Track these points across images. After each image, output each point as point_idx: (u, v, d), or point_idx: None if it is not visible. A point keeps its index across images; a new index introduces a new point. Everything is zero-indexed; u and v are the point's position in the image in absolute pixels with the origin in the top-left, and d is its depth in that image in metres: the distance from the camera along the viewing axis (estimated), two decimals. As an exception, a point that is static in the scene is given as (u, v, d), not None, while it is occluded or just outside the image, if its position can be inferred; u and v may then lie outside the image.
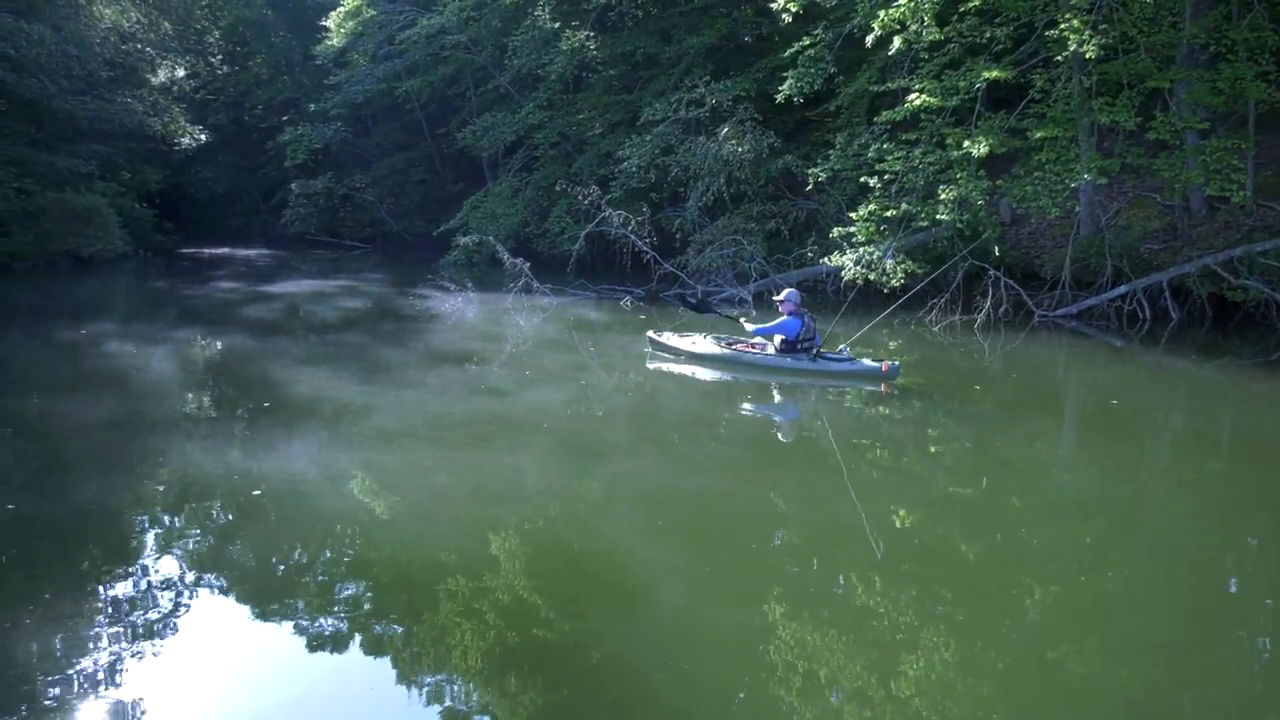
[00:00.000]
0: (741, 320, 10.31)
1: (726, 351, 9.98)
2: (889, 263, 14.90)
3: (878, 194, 15.58)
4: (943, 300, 14.61)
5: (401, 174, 33.24)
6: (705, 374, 9.82)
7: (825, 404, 9.01)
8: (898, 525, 5.61)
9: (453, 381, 9.44)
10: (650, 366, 10.15)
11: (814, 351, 9.66)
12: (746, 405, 8.95)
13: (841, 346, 9.97)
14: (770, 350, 9.92)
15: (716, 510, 5.86)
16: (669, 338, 10.50)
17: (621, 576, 4.84)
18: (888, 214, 15.21)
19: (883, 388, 9.38)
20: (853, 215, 15.77)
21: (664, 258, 19.17)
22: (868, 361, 9.71)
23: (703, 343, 10.26)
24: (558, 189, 21.83)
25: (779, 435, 7.87)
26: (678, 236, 20.38)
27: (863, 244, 15.66)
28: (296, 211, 31.98)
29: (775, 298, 10.24)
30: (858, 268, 15.26)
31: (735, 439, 7.60)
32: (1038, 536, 5.59)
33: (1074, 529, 5.71)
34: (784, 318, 9.90)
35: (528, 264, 17.83)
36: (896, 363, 9.52)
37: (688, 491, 6.14)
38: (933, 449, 7.45)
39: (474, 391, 8.95)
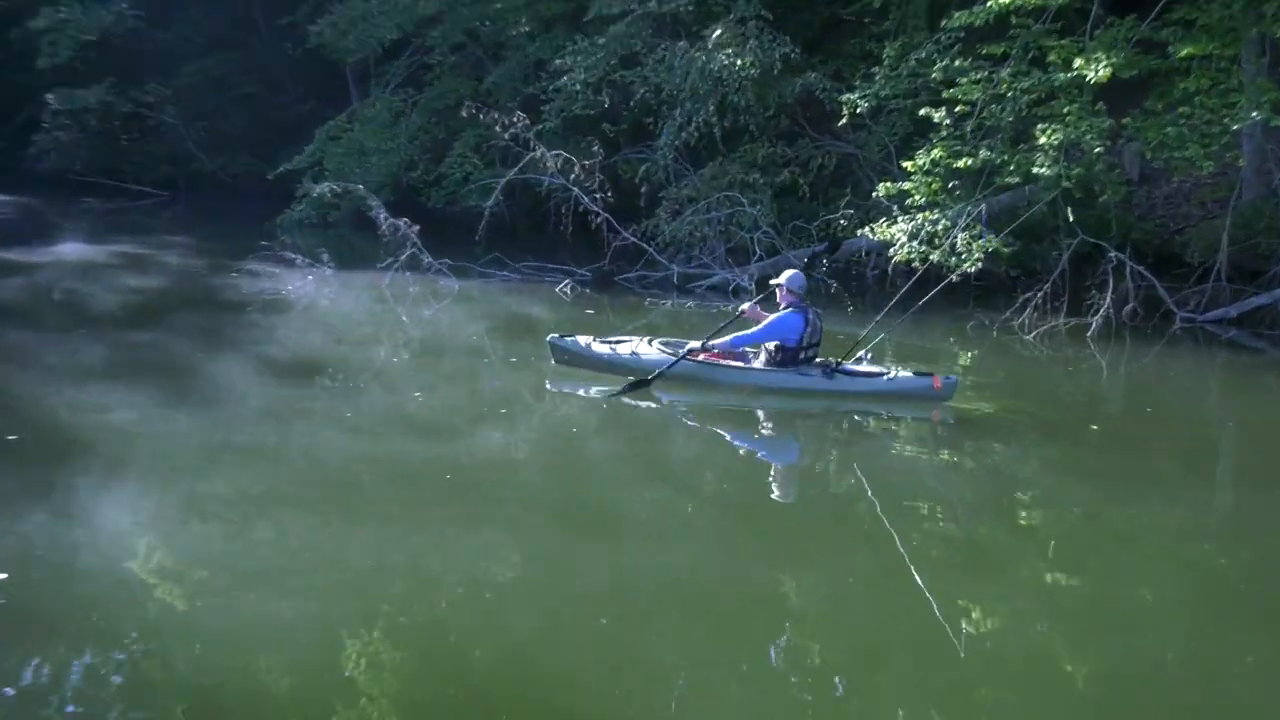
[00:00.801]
0: (706, 342, 10.35)
1: (684, 363, 10.17)
2: (961, 236, 14.87)
3: (945, 134, 15.64)
4: (1040, 294, 14.64)
5: (219, 85, 32.87)
6: (651, 398, 9.93)
7: (849, 442, 9.05)
8: (972, 631, 5.57)
9: (297, 406, 9.38)
10: (554, 389, 10.32)
11: (830, 364, 9.95)
12: (729, 444, 8.99)
13: (861, 353, 10.22)
14: (757, 363, 10.14)
15: (698, 607, 5.77)
16: (588, 344, 10.74)
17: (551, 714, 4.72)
18: (960, 164, 15.15)
19: (933, 414, 9.61)
20: (907, 165, 15.81)
21: (621, 222, 19.10)
22: (907, 373, 9.90)
23: (644, 350, 10.49)
24: (463, 115, 21.72)
25: (786, 492, 7.88)
26: (643, 191, 20.46)
27: (921, 208, 15.83)
28: (54, 138, 31.54)
29: (773, 280, 10.46)
30: (914, 244, 15.25)
31: (720, 496, 7.58)
32: (1179, 649, 5.59)
33: (1231, 638, 5.69)
34: (781, 312, 10.08)
35: (415, 227, 17.63)
36: (952, 377, 9.84)
37: (652, 580, 6.05)
38: (1023, 517, 7.43)
39: (330, 421, 8.88)
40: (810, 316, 10.10)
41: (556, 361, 10.88)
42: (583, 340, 10.80)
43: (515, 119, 19.14)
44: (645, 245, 18.87)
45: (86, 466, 7.46)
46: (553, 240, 21.30)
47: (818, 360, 10.12)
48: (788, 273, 10.32)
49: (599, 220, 18.57)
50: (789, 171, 19.77)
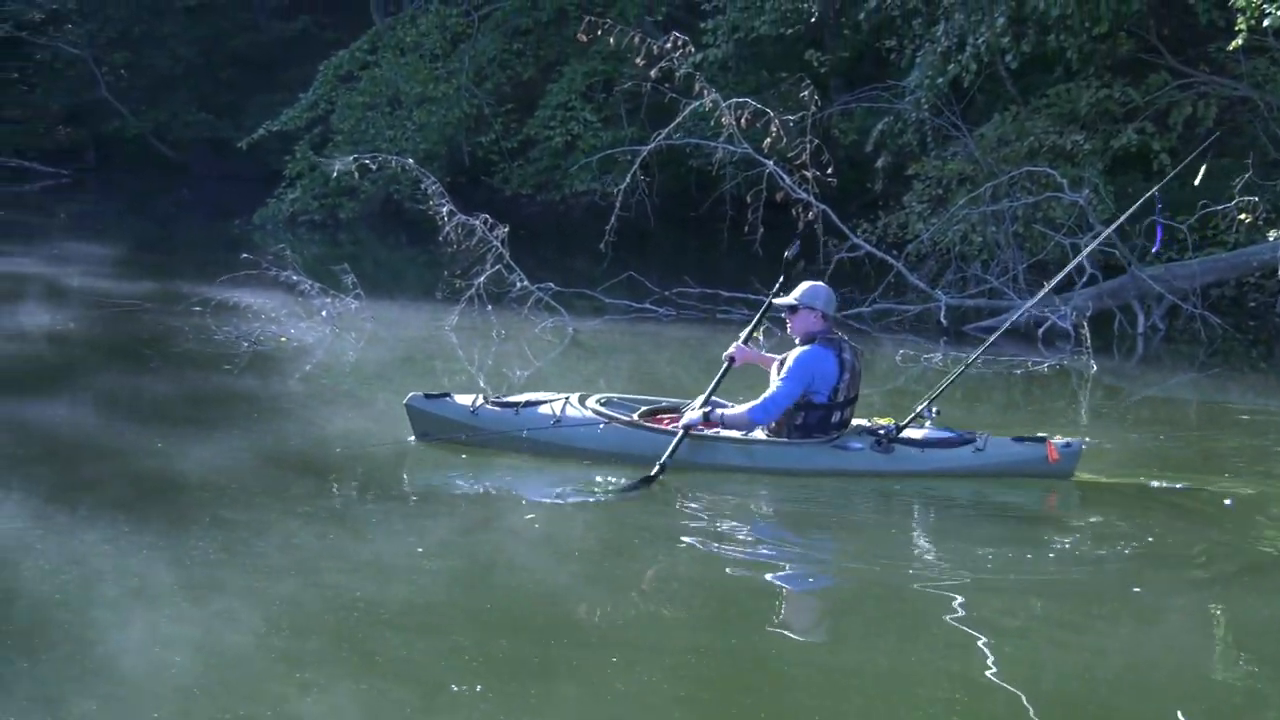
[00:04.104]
0: (712, 410, 10.97)
1: (639, 431, 11.01)
2: None
3: None
4: None
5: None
6: (582, 487, 10.54)
7: (915, 556, 9.45)
8: None
9: (338, 547, 9.38)
10: (414, 483, 11.04)
11: (887, 430, 10.66)
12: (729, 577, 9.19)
13: (921, 406, 10.77)
14: (761, 431, 10.88)
15: None
16: (476, 407, 11.48)
17: None
18: None
19: (1049, 499, 10.39)
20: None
21: (844, 216, 18.47)
22: (1004, 440, 10.63)
23: (572, 413, 11.23)
24: (567, 36, 21.25)
25: (821, 647, 8.19)
26: (879, 166, 19.76)
27: None
28: None
29: (782, 299, 10.98)
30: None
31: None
32: None
33: None
34: (800, 350, 10.56)
35: (502, 229, 17.50)
36: (1075, 441, 10.58)
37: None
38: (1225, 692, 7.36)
39: (402, 571, 8.93)
40: (847, 356, 10.48)
41: (419, 436, 11.52)
42: (465, 401, 11.37)
43: (664, 42, 18.13)
44: (887, 256, 18.15)
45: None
46: (723, 250, 20.71)
47: (861, 425, 10.71)
48: (808, 285, 10.66)
49: (810, 216, 17.72)
50: (1135, 129, 18.88)
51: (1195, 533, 9.77)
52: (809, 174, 17.63)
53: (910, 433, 10.61)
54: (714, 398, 10.93)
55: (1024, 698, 6.94)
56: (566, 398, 11.22)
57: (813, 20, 20.58)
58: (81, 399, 13.06)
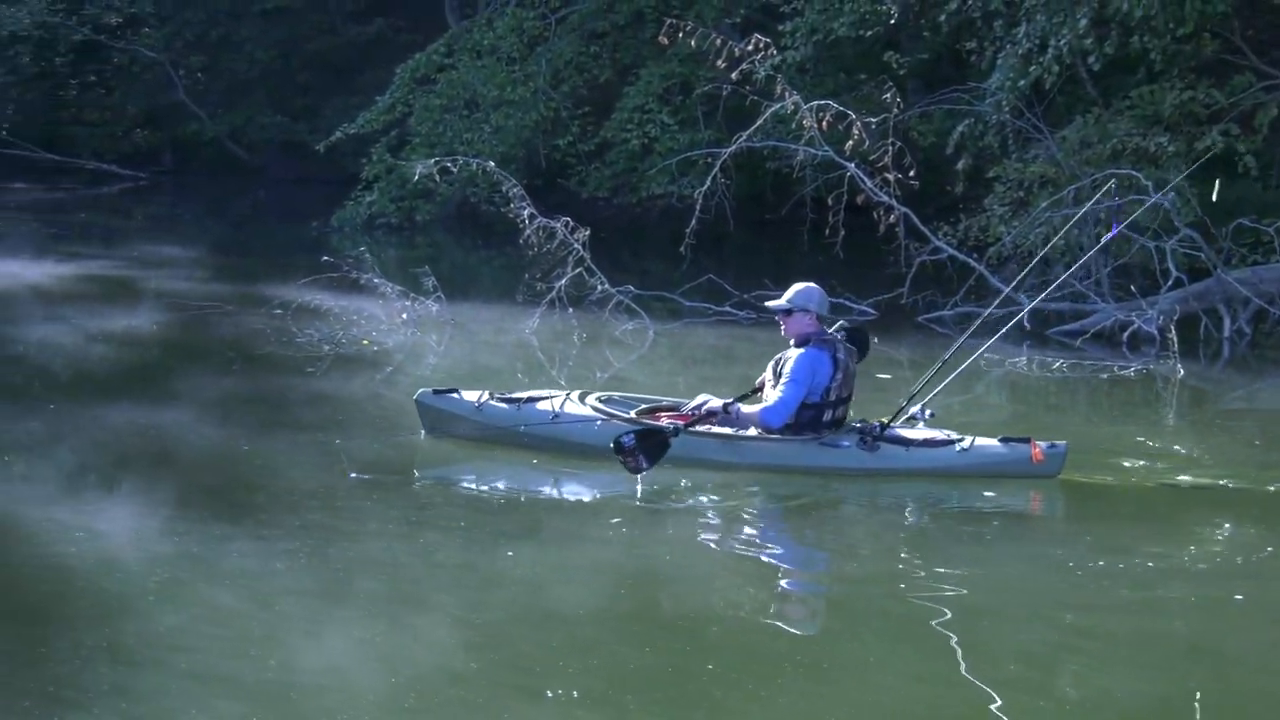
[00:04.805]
0: (732, 403, 11.10)
1: (638, 425, 11.00)
2: None
3: None
4: None
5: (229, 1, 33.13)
6: (578, 484, 10.76)
7: (901, 557, 9.30)
8: None
9: (444, 559, 9.31)
10: (421, 480, 11.10)
11: (873, 427, 10.76)
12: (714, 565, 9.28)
13: (915, 409, 10.92)
14: (753, 428, 10.99)
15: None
16: (481, 403, 11.66)
17: None
18: None
19: (1031, 501, 10.48)
20: None
21: (923, 218, 18.43)
22: (990, 441, 10.73)
23: (572, 409, 11.40)
24: (645, 39, 21.09)
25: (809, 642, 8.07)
26: (960, 169, 19.96)
27: None
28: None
29: (774, 303, 11.09)
30: None
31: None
32: None
33: None
34: (796, 353, 10.68)
35: (584, 231, 17.49)
36: (1059, 444, 10.58)
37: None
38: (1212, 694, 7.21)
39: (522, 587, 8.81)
40: (840, 356, 10.59)
41: (428, 431, 11.77)
42: (471, 397, 11.51)
43: (745, 44, 18.36)
44: (969, 260, 18.00)
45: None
46: (802, 252, 20.58)
47: (853, 423, 10.80)
48: (801, 287, 10.73)
49: (892, 219, 17.96)
50: (1219, 131, 18.50)
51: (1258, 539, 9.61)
52: (890, 176, 17.53)
53: (900, 432, 10.71)
54: (708, 394, 11.15)
55: (1020, 697, 6.99)
56: (567, 394, 11.48)
57: (892, 22, 20.43)
58: (170, 401, 13.11)
